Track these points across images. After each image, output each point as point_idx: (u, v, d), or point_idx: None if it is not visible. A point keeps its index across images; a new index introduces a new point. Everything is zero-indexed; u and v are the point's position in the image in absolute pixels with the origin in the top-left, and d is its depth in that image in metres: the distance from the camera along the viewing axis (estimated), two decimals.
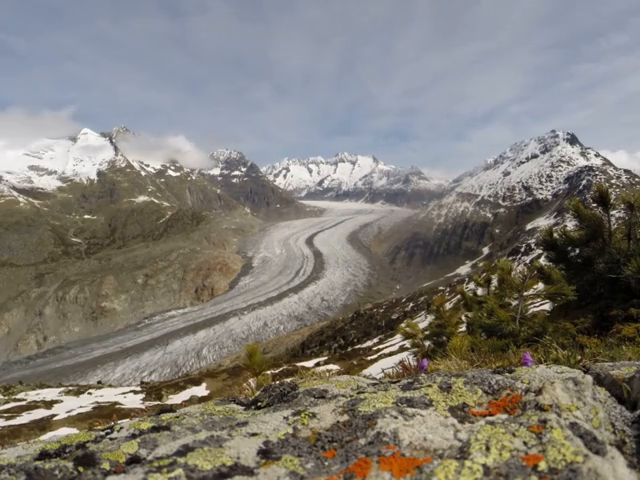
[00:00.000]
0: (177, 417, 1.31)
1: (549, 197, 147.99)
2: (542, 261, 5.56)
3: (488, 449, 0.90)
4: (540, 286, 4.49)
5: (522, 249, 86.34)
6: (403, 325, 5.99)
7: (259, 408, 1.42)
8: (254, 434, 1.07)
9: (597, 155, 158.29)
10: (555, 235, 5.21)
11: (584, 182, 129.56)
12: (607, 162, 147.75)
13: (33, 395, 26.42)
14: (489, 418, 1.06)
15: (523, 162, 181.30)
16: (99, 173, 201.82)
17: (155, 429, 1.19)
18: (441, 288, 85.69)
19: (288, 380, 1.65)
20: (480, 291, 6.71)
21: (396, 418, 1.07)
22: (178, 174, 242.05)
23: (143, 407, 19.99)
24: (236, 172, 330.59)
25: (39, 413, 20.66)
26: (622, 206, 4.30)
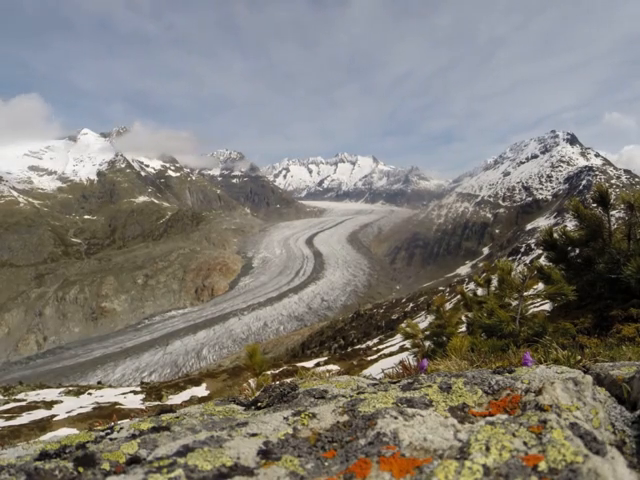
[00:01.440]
0: (177, 417, 1.31)
1: (549, 197, 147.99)
2: (542, 261, 5.56)
3: (488, 449, 0.90)
4: (540, 286, 4.49)
5: (522, 249, 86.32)
6: (403, 325, 5.99)
7: (259, 408, 1.42)
8: (254, 434, 1.07)
9: (597, 155, 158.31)
10: (555, 235, 5.21)
11: (584, 182, 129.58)
12: (607, 162, 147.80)
13: (33, 395, 26.41)
14: (489, 418, 1.06)
15: (523, 162, 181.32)
16: (99, 173, 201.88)
17: (155, 429, 1.19)
18: (441, 288, 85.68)
19: (288, 380, 1.65)
20: (480, 291, 6.71)
21: (396, 418, 1.07)
22: (178, 174, 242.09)
23: (143, 407, 19.98)
24: (236, 172, 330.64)
25: (39, 413, 20.65)
26: (622, 206, 4.30)
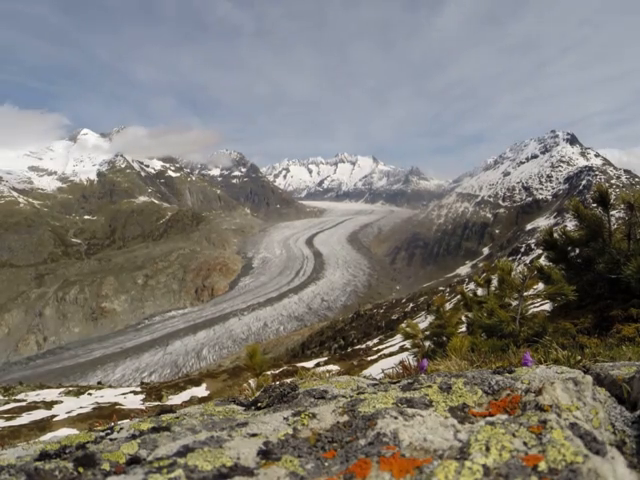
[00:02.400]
0: (177, 418, 1.31)
1: (549, 197, 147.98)
2: (542, 261, 5.56)
3: (488, 449, 0.90)
4: (540, 286, 4.49)
5: (522, 249, 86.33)
6: (403, 325, 5.99)
7: (259, 409, 1.42)
8: (254, 435, 1.07)
9: (597, 155, 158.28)
10: (555, 235, 5.21)
11: (584, 182, 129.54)
12: (607, 162, 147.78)
13: (33, 396, 26.40)
14: (489, 418, 1.06)
15: (523, 162, 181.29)
16: (99, 174, 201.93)
17: (155, 430, 1.19)
18: (441, 288, 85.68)
19: (288, 381, 1.65)
20: (480, 291, 6.71)
21: (396, 419, 1.07)
22: (178, 174, 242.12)
23: (143, 408, 19.98)
24: (236, 172, 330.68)
25: (39, 414, 20.64)
26: (622, 206, 4.30)
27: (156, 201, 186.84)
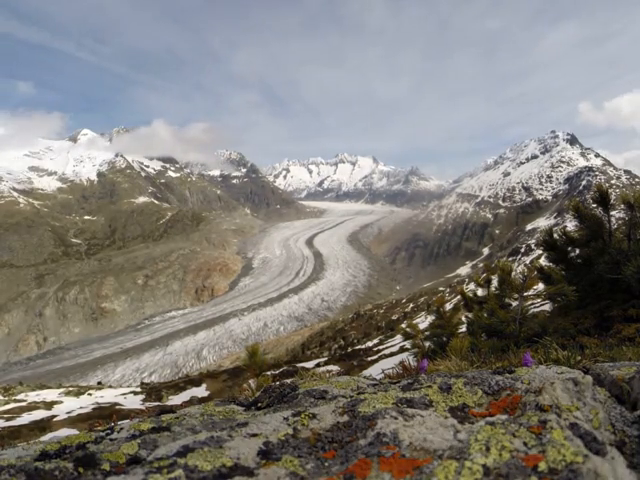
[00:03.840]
0: (177, 418, 1.31)
1: (549, 197, 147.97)
2: (542, 261, 5.56)
3: (488, 449, 0.90)
4: (540, 286, 4.49)
5: (522, 250, 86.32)
6: (403, 326, 6.00)
7: (259, 409, 1.42)
8: (254, 435, 1.07)
9: (597, 155, 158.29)
10: (555, 235, 5.21)
11: (584, 182, 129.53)
12: (607, 162, 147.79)
13: (33, 396, 26.40)
14: (489, 419, 1.06)
15: (523, 163, 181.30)
16: (99, 174, 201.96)
17: (155, 430, 1.19)
18: (441, 289, 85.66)
19: (288, 381, 1.65)
20: (480, 292, 6.71)
21: (396, 419, 1.07)
22: (178, 175, 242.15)
23: (143, 408, 19.97)
24: (236, 173, 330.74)
25: (39, 414, 20.64)
26: (622, 206, 4.30)
27: (156, 201, 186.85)
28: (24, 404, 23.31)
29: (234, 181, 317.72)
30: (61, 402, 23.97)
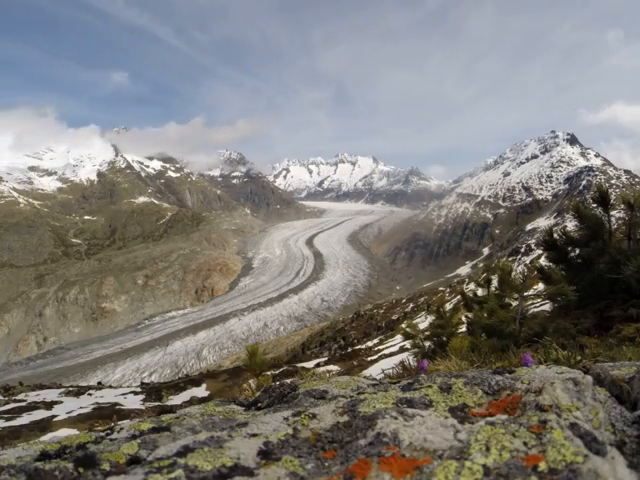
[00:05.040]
0: (177, 418, 1.31)
1: (549, 197, 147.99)
2: (542, 261, 5.56)
3: (488, 449, 0.90)
4: (540, 286, 4.49)
5: (522, 249, 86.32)
6: (403, 326, 6.00)
7: (259, 409, 1.42)
8: (254, 435, 1.07)
9: (597, 155, 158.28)
10: (555, 235, 5.21)
11: (584, 182, 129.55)
12: (607, 162, 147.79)
13: (33, 396, 26.38)
14: (489, 419, 1.06)
15: (523, 162, 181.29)
16: (99, 174, 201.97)
17: (155, 430, 1.19)
18: (441, 289, 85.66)
19: (288, 381, 1.65)
20: (480, 291, 6.71)
21: (396, 419, 1.07)
22: (178, 175, 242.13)
23: (143, 408, 19.96)
24: (236, 173, 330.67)
25: (39, 414, 20.63)
26: (622, 206, 4.30)
27: (156, 201, 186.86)
28: (24, 404, 23.30)
29: (234, 181, 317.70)
30: (61, 402, 23.96)
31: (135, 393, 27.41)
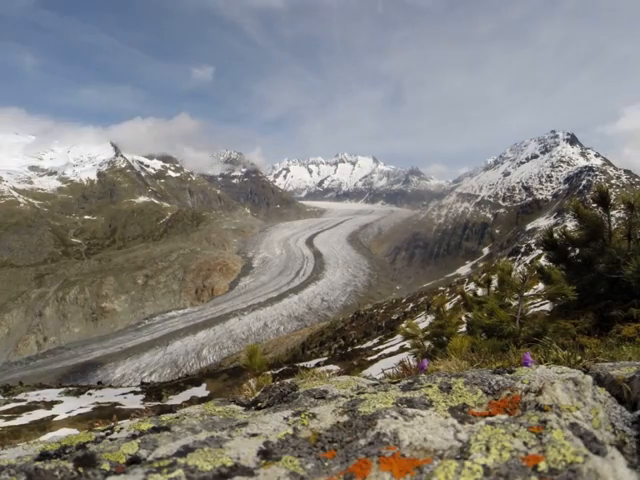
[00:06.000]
0: (177, 418, 1.31)
1: (549, 197, 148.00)
2: (542, 261, 5.57)
3: (488, 449, 0.90)
4: (540, 286, 4.49)
5: (522, 249, 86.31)
6: (403, 325, 6.00)
7: (259, 409, 1.42)
8: (254, 435, 1.07)
9: (597, 155, 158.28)
10: (555, 235, 5.21)
11: (584, 182, 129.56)
12: (607, 162, 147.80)
13: (33, 396, 26.40)
14: (489, 418, 1.06)
15: (523, 162, 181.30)
16: (99, 174, 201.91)
17: (155, 430, 1.19)
18: (441, 288, 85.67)
19: (288, 381, 1.65)
20: (480, 291, 6.71)
21: (396, 419, 1.07)
22: (178, 175, 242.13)
23: (143, 407, 19.96)
24: (236, 172, 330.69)
25: (39, 414, 20.64)
26: (622, 206, 4.30)
27: (156, 201, 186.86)
28: (24, 404, 23.31)
29: (234, 181, 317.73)
30: (61, 402, 23.97)
31: (135, 393, 27.43)
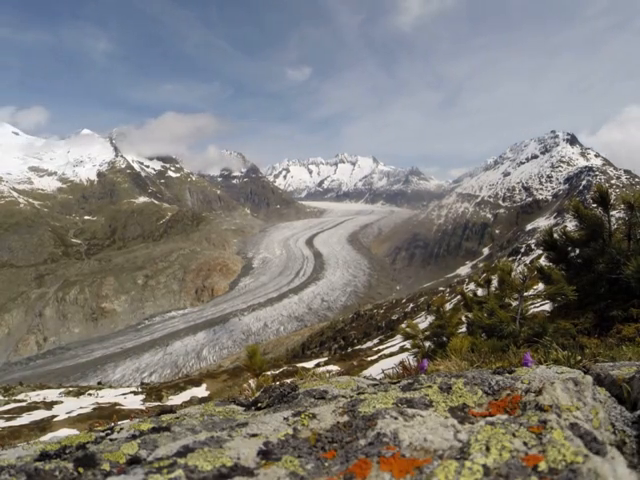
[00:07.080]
0: (177, 418, 1.31)
1: (549, 197, 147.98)
2: (542, 261, 5.57)
3: (488, 449, 0.90)
4: (540, 286, 4.49)
5: (522, 249, 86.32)
6: (403, 326, 6.00)
7: (259, 409, 1.42)
8: (254, 435, 1.07)
9: (597, 155, 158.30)
10: (555, 235, 5.21)
11: (584, 182, 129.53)
12: (607, 162, 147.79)
13: (33, 396, 26.40)
14: (489, 419, 1.06)
15: (523, 163, 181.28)
16: (99, 174, 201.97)
17: (155, 430, 1.19)
18: (441, 289, 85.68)
19: (288, 381, 1.65)
20: (480, 292, 6.71)
21: (396, 419, 1.07)
22: (178, 175, 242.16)
23: (143, 408, 19.96)
24: (236, 173, 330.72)
25: (39, 414, 20.65)
26: (622, 206, 4.30)
27: (156, 201, 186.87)
28: (24, 404, 23.31)
29: (234, 181, 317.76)
30: (61, 402, 23.97)
31: (135, 393, 27.43)
